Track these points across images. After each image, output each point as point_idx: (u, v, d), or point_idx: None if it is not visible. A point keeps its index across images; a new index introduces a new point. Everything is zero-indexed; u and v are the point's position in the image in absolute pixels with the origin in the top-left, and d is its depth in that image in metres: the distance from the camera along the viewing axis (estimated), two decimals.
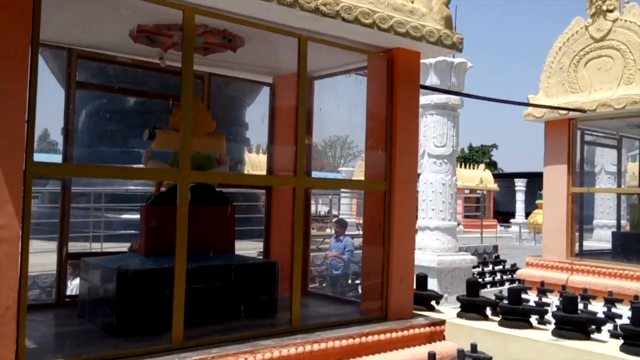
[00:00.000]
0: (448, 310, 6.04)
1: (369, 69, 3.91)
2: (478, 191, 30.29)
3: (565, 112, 7.17)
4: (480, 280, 8.87)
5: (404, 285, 3.70)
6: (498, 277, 9.61)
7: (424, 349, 3.51)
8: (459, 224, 29.59)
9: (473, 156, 60.43)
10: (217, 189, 3.66)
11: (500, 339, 5.08)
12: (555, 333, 4.88)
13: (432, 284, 7.30)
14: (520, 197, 31.70)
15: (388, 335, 3.40)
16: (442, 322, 3.72)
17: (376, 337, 3.33)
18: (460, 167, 30.94)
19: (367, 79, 3.92)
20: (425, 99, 7.85)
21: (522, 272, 7.58)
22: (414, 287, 6.31)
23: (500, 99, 7.19)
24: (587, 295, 6.63)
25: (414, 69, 3.81)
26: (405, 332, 3.49)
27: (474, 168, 31.51)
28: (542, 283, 7.15)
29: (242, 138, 14.80)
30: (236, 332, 3.02)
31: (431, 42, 3.58)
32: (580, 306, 6.54)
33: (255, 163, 25.76)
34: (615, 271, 6.55)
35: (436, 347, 3.62)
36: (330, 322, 3.36)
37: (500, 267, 10.43)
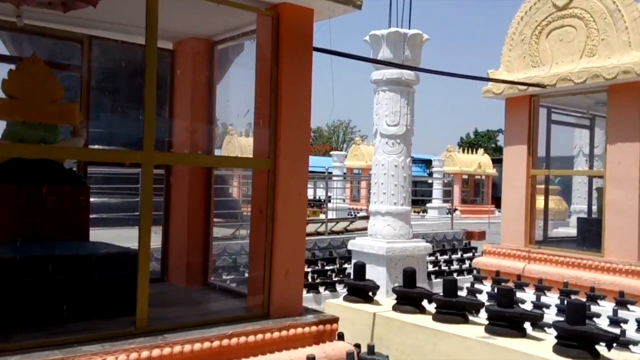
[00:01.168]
0: (390, 302, 5.60)
1: (257, 29, 3.42)
2: (477, 176, 29.71)
3: (525, 87, 6.68)
4: (434, 268, 8.43)
5: (290, 277, 3.25)
6: (456, 266, 9.10)
7: (308, 351, 3.07)
8: (455, 210, 29.14)
9: (479, 141, 59.91)
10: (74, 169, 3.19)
11: (431, 335, 4.66)
12: (488, 329, 4.45)
13: (382, 273, 6.87)
14: None
15: (261, 336, 2.95)
16: (333, 320, 3.27)
17: (243, 338, 2.88)
18: (463, 152, 30.34)
19: (256, 42, 3.44)
20: (377, 74, 7.35)
21: (479, 261, 7.15)
22: (352, 277, 5.90)
23: (457, 73, 6.71)
24: (542, 286, 6.21)
25: (305, 28, 3.32)
26: (285, 333, 3.05)
27: (475, 153, 30.87)
28: (498, 273, 6.73)
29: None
30: (67, 335, 2.57)
31: None
32: (533, 298, 6.13)
33: (245, 147, 25.27)
34: (572, 260, 6.11)
35: (324, 348, 3.18)
36: (190, 321, 2.91)
37: (470, 254, 9.97)
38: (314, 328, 3.19)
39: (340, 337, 3.47)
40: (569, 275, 6.06)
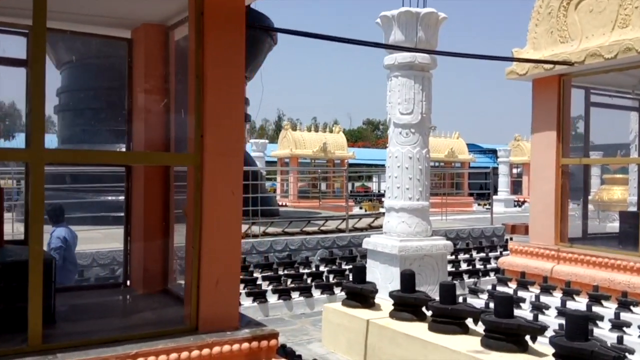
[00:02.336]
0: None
1: (188, 6, 3.08)
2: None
3: (551, 66, 5.99)
4: (453, 269, 7.79)
5: (222, 287, 2.91)
6: (481, 265, 8.37)
7: None
8: (524, 202, 27.23)
9: None
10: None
11: (421, 346, 4.20)
12: (484, 342, 3.95)
13: (395, 274, 6.39)
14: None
15: (175, 355, 2.62)
16: (271, 336, 2.90)
17: (152, 359, 2.56)
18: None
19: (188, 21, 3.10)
20: (389, 58, 6.83)
21: (504, 260, 6.54)
22: (351, 279, 5.48)
23: (477, 54, 6.13)
24: (570, 290, 5.56)
25: (236, 3, 2.94)
26: (208, 351, 2.71)
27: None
28: (523, 274, 6.12)
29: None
30: None
31: None
32: (558, 303, 5.50)
33: (300, 141, 25.15)
34: (605, 260, 5.42)
35: None
36: (99, 337, 2.62)
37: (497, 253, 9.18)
38: (246, 345, 2.84)
39: (290, 354, 3.10)
40: (601, 277, 5.39)
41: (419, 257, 6.61)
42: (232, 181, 2.95)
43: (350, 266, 7.69)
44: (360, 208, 22.83)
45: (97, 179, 10.91)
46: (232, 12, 2.94)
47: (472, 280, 7.23)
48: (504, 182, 28.11)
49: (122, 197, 3.98)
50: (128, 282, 4.05)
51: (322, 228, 9.52)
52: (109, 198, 11.48)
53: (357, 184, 45.11)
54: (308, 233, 9.19)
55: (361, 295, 5.15)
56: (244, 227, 9.58)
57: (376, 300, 5.09)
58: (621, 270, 5.27)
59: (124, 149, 4.66)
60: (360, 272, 5.26)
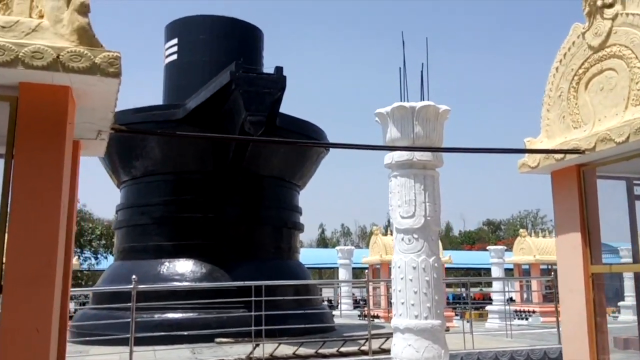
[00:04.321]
0: None
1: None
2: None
3: (561, 156, 5.16)
4: None
5: None
6: None
7: None
8: (533, 313, 23.95)
9: None
10: None
11: None
12: None
13: None
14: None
15: None
16: None
17: None
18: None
19: None
20: (387, 157, 6.26)
21: None
22: None
23: (484, 148, 5.50)
24: None
25: (57, 110, 2.66)
26: None
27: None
28: None
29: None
30: None
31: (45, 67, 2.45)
32: None
33: (390, 246, 24.56)
34: None
35: None
36: None
37: None
38: None
39: None
40: None
41: None
42: (37, 316, 2.50)
43: None
44: (461, 318, 20.96)
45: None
46: (52, 118, 2.65)
47: None
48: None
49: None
50: None
51: (342, 349, 8.57)
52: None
53: (474, 289, 42.70)
54: (325, 356, 8.29)
55: None
56: (249, 348, 8.93)
57: None
58: None
59: None
60: None
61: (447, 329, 10.27)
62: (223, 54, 13.39)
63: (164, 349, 9.58)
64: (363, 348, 8.77)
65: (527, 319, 25.08)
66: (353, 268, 35.89)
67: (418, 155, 6.01)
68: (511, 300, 30.75)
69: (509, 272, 32.15)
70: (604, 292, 5.31)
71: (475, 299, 36.48)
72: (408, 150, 5.90)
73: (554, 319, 12.09)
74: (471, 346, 9.29)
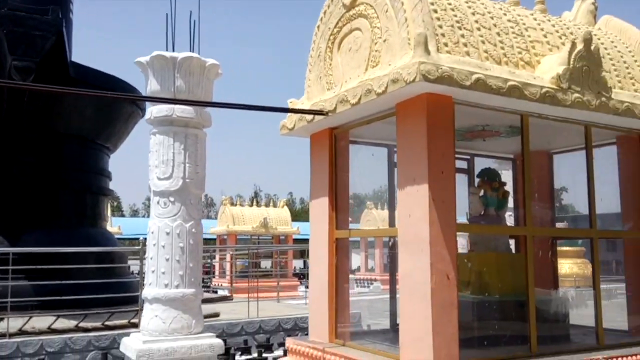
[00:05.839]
0: None
1: None
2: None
3: (310, 117, 5.04)
4: None
5: None
6: None
7: None
8: (375, 281, 25.32)
9: None
10: None
11: None
12: None
13: None
14: None
15: None
16: None
17: None
18: None
19: None
20: (147, 112, 5.79)
21: None
22: None
23: (251, 105, 5.16)
24: None
25: None
26: None
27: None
28: None
29: None
30: None
31: None
32: None
33: (238, 217, 23.90)
34: None
35: None
36: None
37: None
38: None
39: None
40: None
41: None
42: None
43: None
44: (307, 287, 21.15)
45: None
46: None
47: None
48: None
49: None
50: None
51: (107, 323, 8.06)
52: None
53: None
54: (86, 330, 7.74)
55: None
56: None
57: None
58: None
59: None
60: None
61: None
62: None
63: None
64: (133, 320, 8.28)
65: (369, 286, 26.33)
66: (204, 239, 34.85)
67: (179, 112, 5.58)
68: (357, 270, 32.11)
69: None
70: (347, 257, 5.34)
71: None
72: (167, 102, 5.44)
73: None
74: (256, 315, 9.25)
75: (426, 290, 3.85)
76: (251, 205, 25.07)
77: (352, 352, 4.48)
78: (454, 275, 3.95)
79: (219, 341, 5.51)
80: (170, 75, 5.58)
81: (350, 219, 5.39)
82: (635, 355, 4.56)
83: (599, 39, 5.24)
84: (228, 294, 15.54)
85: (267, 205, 25.76)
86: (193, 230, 5.61)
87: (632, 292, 5.39)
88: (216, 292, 18.70)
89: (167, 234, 5.53)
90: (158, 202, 5.62)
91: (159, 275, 5.50)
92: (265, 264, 29.00)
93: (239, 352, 6.78)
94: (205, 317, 8.83)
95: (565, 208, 7.92)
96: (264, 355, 6.76)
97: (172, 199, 5.58)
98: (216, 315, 8.90)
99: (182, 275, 5.50)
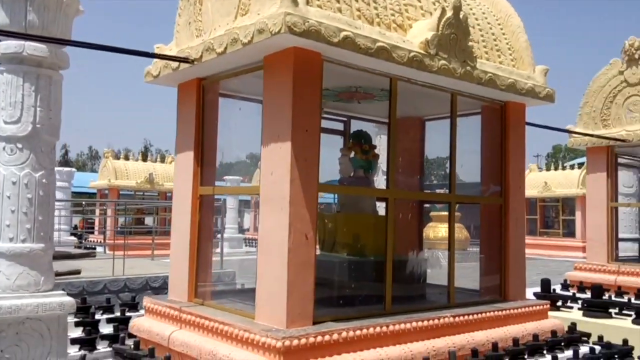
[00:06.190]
0: None
1: None
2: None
3: (176, 65, 4.73)
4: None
5: None
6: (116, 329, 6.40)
7: None
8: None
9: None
10: None
11: None
12: None
13: None
14: None
15: None
16: None
17: None
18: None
19: None
20: None
21: (135, 324, 5.06)
22: None
23: (106, 45, 4.71)
24: None
25: None
26: None
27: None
28: (145, 346, 4.65)
29: None
30: None
31: None
32: None
33: (122, 171, 22.43)
34: (215, 326, 4.11)
35: None
36: None
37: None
38: None
39: None
40: (207, 351, 4.05)
41: (17, 322, 4.89)
42: None
43: None
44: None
45: None
46: None
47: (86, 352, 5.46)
48: (231, 218, 26.15)
49: None
50: None
51: None
52: None
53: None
54: None
55: None
56: None
57: None
58: (227, 340, 3.98)
59: None
60: None
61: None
62: None
63: None
64: None
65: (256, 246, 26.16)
66: (78, 193, 32.65)
67: (30, 50, 5.02)
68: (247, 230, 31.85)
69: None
70: (212, 214, 5.18)
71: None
72: (16, 37, 4.86)
73: None
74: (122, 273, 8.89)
75: (283, 249, 3.80)
76: (139, 161, 23.92)
77: (209, 312, 4.36)
78: (312, 235, 3.92)
79: (70, 299, 5.17)
80: (22, 7, 4.99)
81: (242, 178, 5.18)
82: (481, 313, 4.85)
83: (471, 9, 5.36)
84: (95, 251, 14.83)
85: (155, 160, 24.71)
86: (44, 180, 5.15)
87: (484, 254, 5.72)
88: (94, 248, 17.80)
89: (14, 183, 5.03)
90: (4, 149, 5.08)
91: (3, 229, 5.02)
92: (149, 221, 28.10)
93: (100, 311, 6.45)
94: (65, 274, 8.34)
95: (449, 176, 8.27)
96: (128, 314, 6.48)
97: (20, 145, 5.06)
98: (77, 272, 8.43)
99: (29, 229, 5.06)
